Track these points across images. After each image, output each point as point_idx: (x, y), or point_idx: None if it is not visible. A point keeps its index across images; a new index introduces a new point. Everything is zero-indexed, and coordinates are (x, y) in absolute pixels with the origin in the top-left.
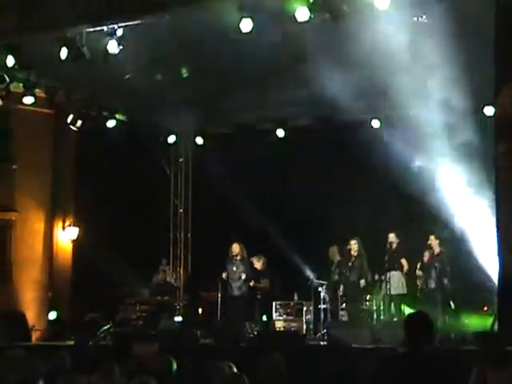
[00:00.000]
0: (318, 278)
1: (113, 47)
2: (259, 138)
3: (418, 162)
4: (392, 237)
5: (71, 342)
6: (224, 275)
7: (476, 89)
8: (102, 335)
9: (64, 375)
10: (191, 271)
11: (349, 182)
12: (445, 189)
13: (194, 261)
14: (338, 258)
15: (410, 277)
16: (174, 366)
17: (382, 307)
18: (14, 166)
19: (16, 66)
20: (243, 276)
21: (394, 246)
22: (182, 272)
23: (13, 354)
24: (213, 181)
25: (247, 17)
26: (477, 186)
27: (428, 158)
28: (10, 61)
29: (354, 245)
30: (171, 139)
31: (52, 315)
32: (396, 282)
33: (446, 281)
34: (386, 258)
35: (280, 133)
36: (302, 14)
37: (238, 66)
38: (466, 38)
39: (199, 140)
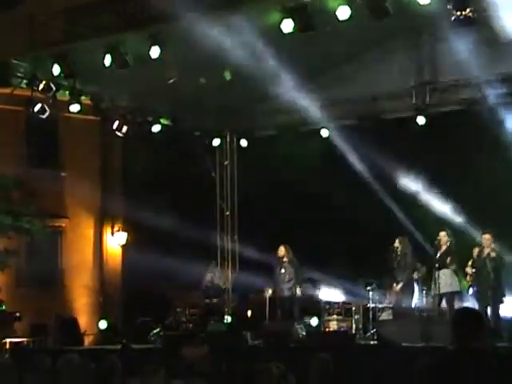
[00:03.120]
0: (368, 277)
1: (155, 52)
2: (303, 139)
3: None
4: (443, 235)
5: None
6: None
7: None
8: (152, 338)
9: (115, 378)
10: (239, 273)
11: (397, 180)
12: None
13: (242, 263)
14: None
15: (460, 274)
16: (223, 368)
17: (432, 305)
18: (63, 174)
19: (62, 75)
20: (292, 277)
21: (445, 243)
22: (230, 274)
23: (67, 358)
24: (258, 183)
25: (288, 17)
26: None
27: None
28: (56, 69)
29: (398, 243)
30: (216, 142)
31: (102, 324)
32: (447, 279)
33: (497, 278)
34: (437, 256)
35: (324, 133)
36: (343, 12)
37: (280, 67)
38: None
39: (244, 142)
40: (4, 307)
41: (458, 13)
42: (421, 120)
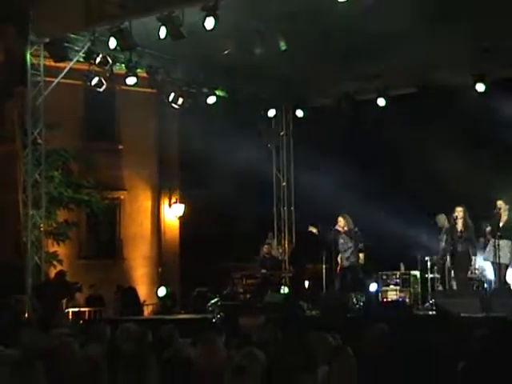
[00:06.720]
0: (426, 248)
1: (210, 24)
2: (360, 108)
3: None
4: (500, 204)
5: (180, 316)
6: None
7: None
8: (209, 308)
9: (171, 347)
10: (296, 244)
11: (454, 149)
12: None
13: (299, 233)
14: (446, 225)
15: None
16: (280, 338)
17: (492, 276)
18: (120, 146)
19: (118, 48)
20: (350, 246)
21: (504, 213)
22: (286, 245)
23: (124, 327)
24: (314, 153)
25: None
26: None
27: None
28: (112, 43)
29: (459, 212)
30: (271, 113)
31: (161, 292)
32: (507, 250)
33: None
34: (497, 226)
35: (381, 102)
36: None
37: (337, 37)
38: None
39: (299, 113)
40: (66, 277)
41: None
42: (480, 87)
